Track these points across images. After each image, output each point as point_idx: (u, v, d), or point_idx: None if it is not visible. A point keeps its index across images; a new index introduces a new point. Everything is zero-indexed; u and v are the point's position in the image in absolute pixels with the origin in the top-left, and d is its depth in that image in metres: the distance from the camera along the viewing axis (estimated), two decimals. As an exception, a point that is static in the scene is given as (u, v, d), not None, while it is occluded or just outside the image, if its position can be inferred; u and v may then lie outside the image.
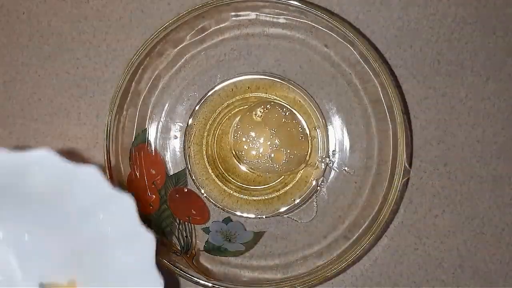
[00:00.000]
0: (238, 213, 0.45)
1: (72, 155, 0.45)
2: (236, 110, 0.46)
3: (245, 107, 0.45)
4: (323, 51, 0.44)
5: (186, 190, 0.45)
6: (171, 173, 0.45)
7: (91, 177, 0.34)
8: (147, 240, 0.35)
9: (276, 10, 0.43)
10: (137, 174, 0.43)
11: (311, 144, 0.45)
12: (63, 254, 0.38)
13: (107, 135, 0.41)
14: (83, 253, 0.37)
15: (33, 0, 0.46)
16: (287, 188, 0.45)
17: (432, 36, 0.45)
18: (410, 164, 0.45)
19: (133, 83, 0.42)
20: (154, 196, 0.44)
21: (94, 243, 0.36)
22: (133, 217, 0.34)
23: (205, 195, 0.45)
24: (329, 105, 0.45)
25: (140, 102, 0.43)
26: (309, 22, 0.43)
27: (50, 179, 0.34)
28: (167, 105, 0.45)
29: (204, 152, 0.46)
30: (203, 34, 0.44)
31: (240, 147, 0.44)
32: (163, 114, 0.45)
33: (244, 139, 0.44)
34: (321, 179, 0.45)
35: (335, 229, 0.44)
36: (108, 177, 0.41)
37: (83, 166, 0.34)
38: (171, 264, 0.40)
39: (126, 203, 0.34)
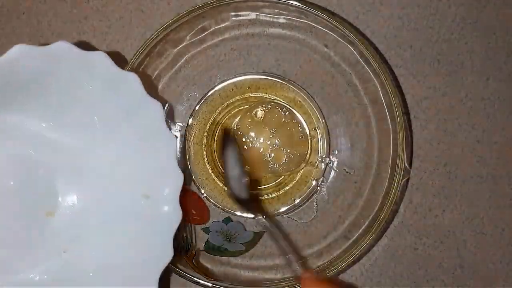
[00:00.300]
0: (238, 213, 0.45)
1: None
2: (236, 110, 0.46)
3: (245, 107, 0.45)
4: (323, 51, 0.44)
5: (186, 190, 0.45)
6: (171, 173, 0.45)
7: (131, 82, 0.38)
8: (156, 108, 0.39)
9: (276, 10, 0.43)
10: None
11: (311, 144, 0.45)
12: None
13: (107, 135, 0.41)
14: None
15: (33, 0, 0.46)
16: (287, 188, 0.45)
17: (432, 36, 0.45)
18: (410, 164, 0.45)
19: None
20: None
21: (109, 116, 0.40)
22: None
23: (205, 195, 0.45)
24: (329, 105, 0.45)
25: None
26: (309, 22, 0.43)
27: (99, 80, 0.38)
28: (167, 105, 0.45)
29: (204, 152, 0.46)
30: (203, 34, 0.44)
31: (240, 147, 0.44)
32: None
33: (244, 139, 0.44)
34: (321, 179, 0.45)
35: (335, 229, 0.44)
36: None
37: (127, 73, 0.38)
38: (171, 264, 0.40)
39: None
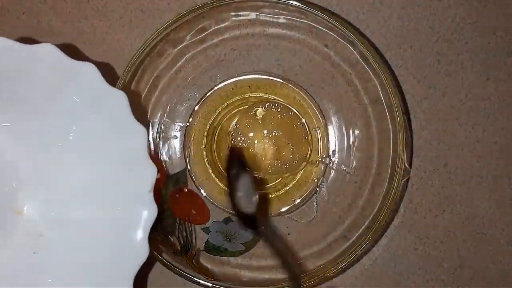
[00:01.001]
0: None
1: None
2: (236, 110, 0.46)
3: (245, 107, 0.45)
4: (323, 51, 0.44)
5: (186, 190, 0.45)
6: (171, 173, 0.45)
7: (88, 73, 0.37)
8: (140, 132, 0.38)
9: (276, 10, 0.43)
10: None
11: (311, 144, 0.45)
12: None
13: (107, 135, 0.41)
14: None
15: (33, 0, 0.46)
16: (287, 188, 0.45)
17: (432, 36, 0.45)
18: (410, 164, 0.45)
19: (133, 83, 0.42)
20: (154, 197, 0.44)
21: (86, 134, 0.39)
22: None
23: (205, 195, 0.45)
24: (329, 105, 0.45)
25: (140, 102, 0.43)
26: (309, 22, 0.43)
27: (52, 73, 0.37)
28: (167, 105, 0.45)
29: (204, 152, 0.46)
30: (203, 34, 0.44)
31: (240, 147, 0.44)
32: (163, 114, 0.45)
33: (243, 139, 0.44)
34: (321, 179, 0.45)
35: (335, 229, 0.44)
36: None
37: (82, 63, 0.37)
38: (171, 264, 0.40)
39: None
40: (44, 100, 0.39)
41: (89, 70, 0.37)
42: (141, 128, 0.38)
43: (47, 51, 0.36)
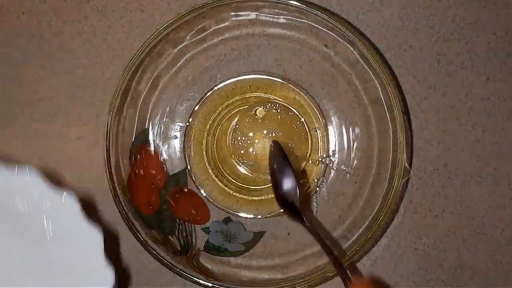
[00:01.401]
0: (238, 213, 0.45)
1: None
2: (236, 110, 0.46)
3: (245, 107, 0.45)
4: (323, 51, 0.44)
5: (186, 190, 0.45)
6: (171, 173, 0.45)
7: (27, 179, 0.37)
8: (95, 236, 0.37)
9: (276, 10, 0.43)
10: (137, 174, 0.43)
11: (311, 144, 0.45)
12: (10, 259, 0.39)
13: (107, 136, 0.41)
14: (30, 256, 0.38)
15: (33, 0, 0.46)
16: (287, 188, 0.45)
17: (432, 36, 0.45)
18: (410, 164, 0.45)
19: (133, 83, 0.42)
20: (154, 196, 0.44)
21: (40, 244, 0.38)
22: (77, 215, 0.37)
23: (205, 195, 0.45)
24: (329, 105, 0.45)
25: (140, 102, 0.43)
26: (309, 22, 0.43)
27: None
28: (167, 105, 0.45)
29: (204, 152, 0.46)
30: (203, 34, 0.44)
31: (239, 147, 0.44)
32: (163, 114, 0.45)
33: (243, 139, 0.44)
34: (321, 179, 0.45)
35: (335, 229, 0.44)
36: (109, 177, 0.41)
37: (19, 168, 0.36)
38: (171, 264, 0.40)
39: (69, 201, 0.37)
40: None
41: (30, 175, 0.37)
42: (95, 232, 0.37)
43: None
